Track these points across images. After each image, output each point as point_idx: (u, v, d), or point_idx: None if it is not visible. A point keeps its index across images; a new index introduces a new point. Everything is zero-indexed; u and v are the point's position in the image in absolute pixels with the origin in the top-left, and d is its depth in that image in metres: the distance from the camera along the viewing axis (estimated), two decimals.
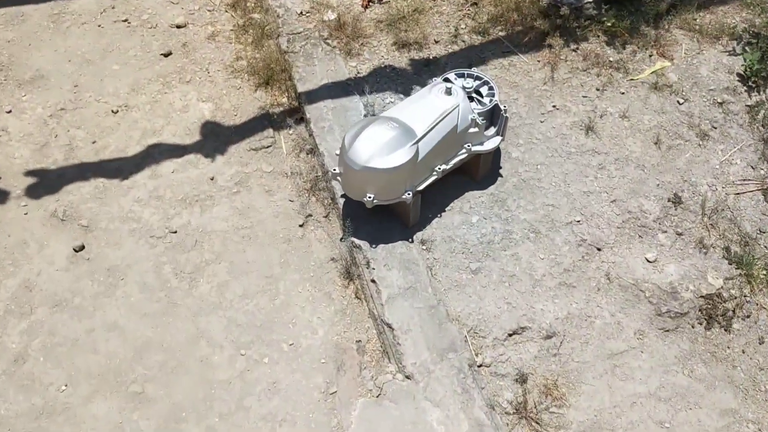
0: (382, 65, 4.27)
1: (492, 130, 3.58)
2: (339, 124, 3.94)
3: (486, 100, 3.58)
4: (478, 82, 3.63)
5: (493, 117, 3.58)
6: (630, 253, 3.48)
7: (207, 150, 4.02)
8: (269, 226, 3.71)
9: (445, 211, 3.61)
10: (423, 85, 4.13)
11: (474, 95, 3.57)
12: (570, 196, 3.67)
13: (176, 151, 4.02)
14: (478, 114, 3.48)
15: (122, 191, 3.84)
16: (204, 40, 4.58)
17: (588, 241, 3.52)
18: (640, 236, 3.54)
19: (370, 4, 4.62)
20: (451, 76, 3.64)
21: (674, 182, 3.73)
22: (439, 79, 3.63)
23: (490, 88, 3.60)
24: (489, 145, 3.55)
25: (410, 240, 3.48)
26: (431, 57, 4.31)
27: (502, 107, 3.53)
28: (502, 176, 3.74)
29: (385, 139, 3.18)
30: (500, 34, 4.38)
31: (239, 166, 3.95)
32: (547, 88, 4.13)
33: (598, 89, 4.12)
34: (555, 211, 3.62)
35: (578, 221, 3.59)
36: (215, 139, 4.07)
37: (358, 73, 4.24)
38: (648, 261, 3.44)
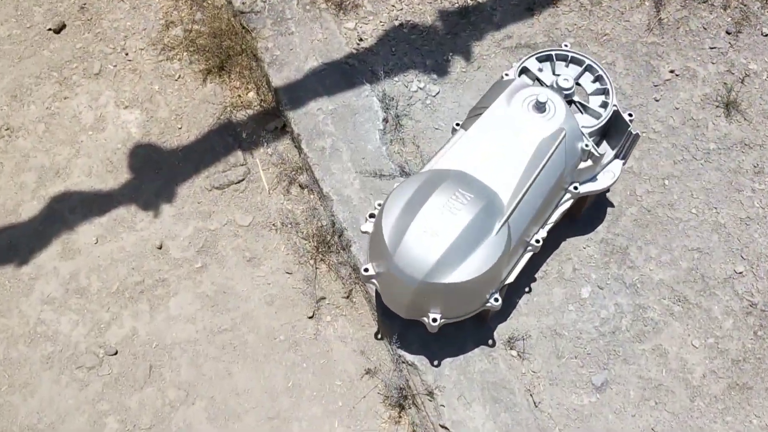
0: (396, 22, 2.74)
1: (605, 149, 2.19)
2: (347, 141, 2.50)
3: (595, 102, 2.15)
4: (575, 70, 2.18)
5: (606, 126, 2.17)
6: None
7: (145, 196, 2.57)
8: (262, 324, 2.38)
9: (535, 280, 2.30)
10: (464, 52, 2.64)
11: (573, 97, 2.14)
12: (721, 228, 2.36)
13: (95, 202, 2.57)
14: (589, 133, 2.08)
15: (21, 287, 2.44)
16: None
17: (759, 304, 2.26)
18: None
19: None
20: (531, 63, 2.18)
21: None
22: (515, 71, 2.17)
23: (597, 78, 2.17)
24: (606, 180, 2.17)
25: (491, 342, 2.20)
26: (470, 1, 2.77)
27: (626, 116, 2.11)
28: (613, 205, 2.40)
29: (457, 231, 1.80)
30: None
31: (199, 220, 2.53)
32: (655, 39, 2.66)
33: (729, 32, 2.67)
34: (703, 258, 2.32)
35: (740, 272, 2.30)
36: (154, 174, 2.61)
37: (361, 40, 2.71)
38: None
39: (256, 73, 2.69)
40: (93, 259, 2.47)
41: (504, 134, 1.99)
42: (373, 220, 2.04)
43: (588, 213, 2.36)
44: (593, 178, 2.15)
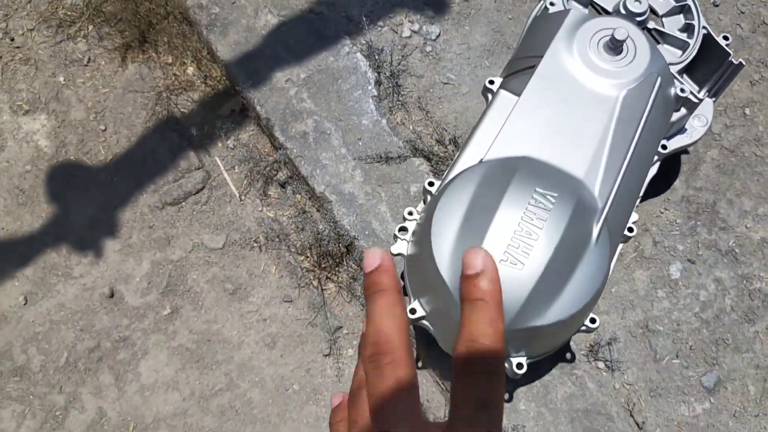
0: None
1: (693, 88, 1.63)
2: (333, 118, 1.88)
3: (674, 26, 1.59)
4: None
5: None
6: None
7: (77, 230, 1.93)
8: (266, 374, 1.83)
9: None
10: None
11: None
12: None
13: (14, 249, 1.92)
14: (677, 72, 1.52)
15: None
16: None
17: None
18: None
19: None
20: None
21: None
22: None
23: None
24: (698, 129, 1.63)
25: (569, 357, 1.70)
26: None
27: (720, 40, 1.55)
28: (687, 152, 1.88)
29: (548, 254, 1.24)
30: None
31: (155, 251, 1.91)
32: None
33: None
34: None
35: None
36: (83, 198, 1.96)
37: None
38: None
39: (191, 41, 2.01)
40: (26, 325, 1.85)
41: (573, 93, 1.41)
42: (404, 235, 1.47)
43: (661, 165, 1.83)
44: (682, 129, 1.61)
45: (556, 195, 1.28)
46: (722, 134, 1.88)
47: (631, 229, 1.48)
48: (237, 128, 1.99)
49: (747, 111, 1.90)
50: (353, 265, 1.84)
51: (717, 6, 1.99)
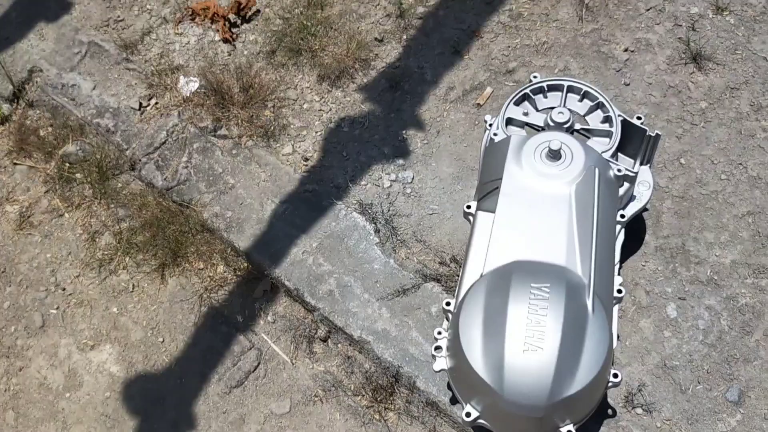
0: (332, 124, 2.49)
1: (627, 161, 1.99)
2: (350, 272, 2.21)
3: (596, 121, 1.96)
4: (557, 97, 1.99)
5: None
6: None
7: None
8: None
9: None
10: (416, 123, 2.42)
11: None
12: (757, 181, 2.21)
13: None
14: (611, 152, 1.87)
15: None
16: (11, 232, 2.56)
17: None
18: None
19: (233, 33, 2.72)
20: (512, 110, 1.96)
21: None
22: (498, 126, 1.94)
23: (584, 95, 1.97)
24: (645, 192, 1.97)
25: (611, 412, 1.95)
26: (387, 69, 2.55)
27: (635, 121, 1.92)
28: (647, 209, 2.20)
29: (558, 334, 1.54)
30: None
31: (233, 431, 2.17)
32: (592, 26, 2.52)
33: None
34: (759, 219, 2.16)
35: None
36: (160, 407, 2.23)
37: (306, 160, 2.44)
38: None
39: (215, 244, 2.37)
40: None
41: (534, 200, 1.75)
42: (441, 353, 1.75)
43: (627, 229, 2.15)
44: (632, 197, 1.94)
45: (548, 285, 1.59)
46: (669, 186, 2.22)
47: (620, 291, 1.78)
48: (272, 304, 2.31)
49: (682, 160, 2.25)
50: (404, 390, 2.10)
51: (628, 85, 2.38)
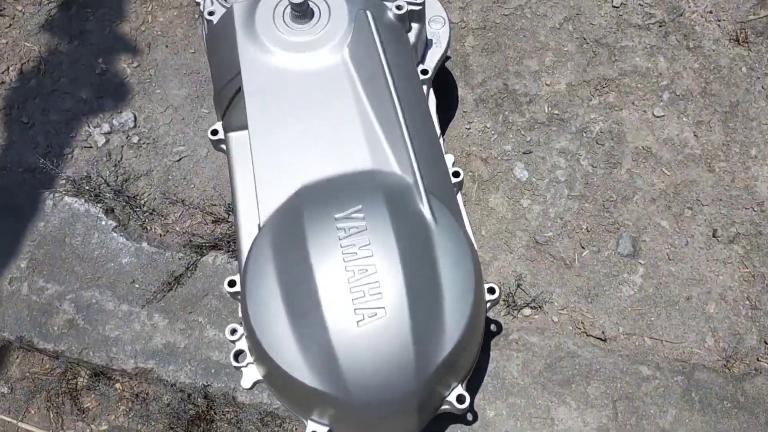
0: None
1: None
2: (91, 282, 1.49)
3: None
4: None
5: None
6: None
7: None
8: None
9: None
10: (109, 51, 1.68)
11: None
12: None
13: None
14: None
15: None
16: None
17: (658, 16, 1.71)
18: None
19: None
20: None
21: None
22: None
23: None
24: (442, 33, 1.41)
25: (495, 327, 1.46)
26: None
27: None
28: (449, 57, 1.66)
29: (398, 276, 0.95)
30: None
31: None
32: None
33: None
34: (580, 24, 1.70)
35: (619, 4, 1.72)
36: None
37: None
38: None
39: None
40: None
41: (298, 87, 1.13)
42: (243, 360, 1.13)
43: (435, 87, 1.61)
44: (428, 43, 1.38)
45: (359, 206, 1.00)
46: (465, 18, 1.69)
47: (456, 174, 1.23)
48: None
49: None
50: (227, 409, 1.48)
51: None
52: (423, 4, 1.25)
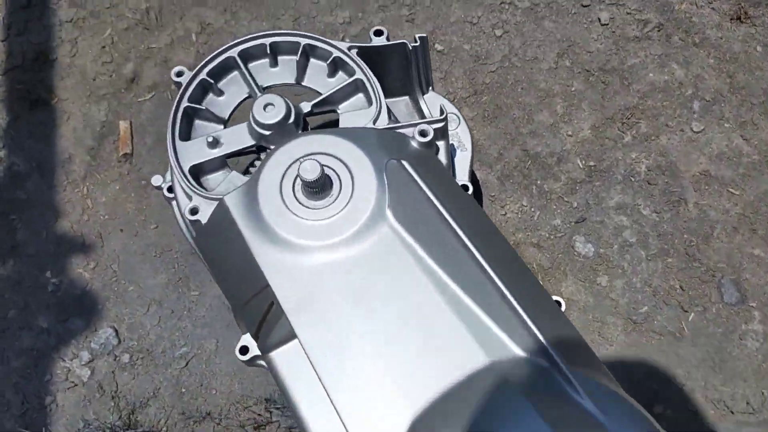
0: None
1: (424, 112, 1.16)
2: None
3: (316, 78, 1.07)
4: (231, 87, 1.06)
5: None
6: None
7: None
8: None
9: None
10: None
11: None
12: None
13: None
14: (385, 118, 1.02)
15: None
16: None
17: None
18: None
19: None
20: (189, 149, 1.01)
21: None
22: (180, 184, 0.98)
23: (267, 55, 1.07)
24: (462, 134, 1.16)
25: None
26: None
27: (383, 40, 1.07)
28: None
29: None
30: None
31: None
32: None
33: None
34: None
35: None
36: None
37: None
38: None
39: None
40: None
41: (349, 282, 0.86)
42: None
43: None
44: (453, 150, 1.13)
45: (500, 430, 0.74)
46: (450, 89, 1.46)
47: (558, 303, 0.97)
48: None
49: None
50: None
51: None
52: (446, 119, 1.00)
